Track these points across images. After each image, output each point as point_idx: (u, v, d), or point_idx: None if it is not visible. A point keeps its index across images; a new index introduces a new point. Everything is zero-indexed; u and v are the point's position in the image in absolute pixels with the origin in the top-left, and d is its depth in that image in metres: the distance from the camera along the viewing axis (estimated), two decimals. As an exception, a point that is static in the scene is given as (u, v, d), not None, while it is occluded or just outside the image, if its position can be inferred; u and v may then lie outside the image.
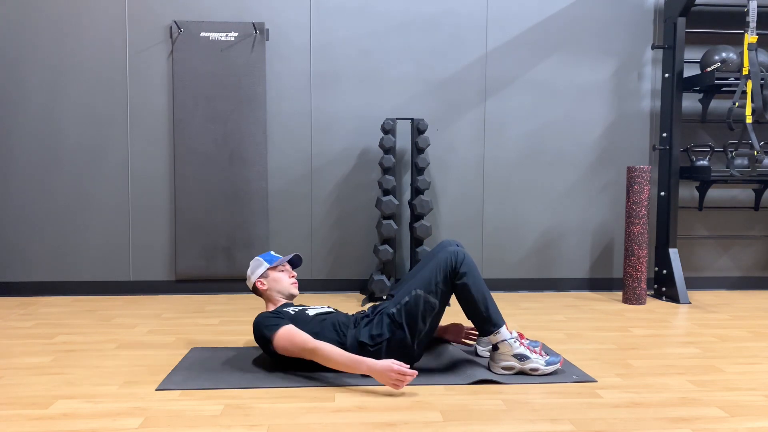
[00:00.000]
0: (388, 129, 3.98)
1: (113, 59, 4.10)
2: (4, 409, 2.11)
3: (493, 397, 2.25)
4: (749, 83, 3.83)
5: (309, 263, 4.26)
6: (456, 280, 2.45)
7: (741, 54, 3.96)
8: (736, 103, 3.86)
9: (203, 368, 2.53)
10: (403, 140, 4.24)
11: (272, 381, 2.37)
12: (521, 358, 2.44)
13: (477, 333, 2.72)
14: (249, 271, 2.73)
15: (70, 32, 4.07)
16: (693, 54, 4.34)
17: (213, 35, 4.10)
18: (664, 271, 4.16)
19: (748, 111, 3.83)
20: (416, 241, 4.03)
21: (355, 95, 4.23)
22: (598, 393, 2.30)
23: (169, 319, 3.48)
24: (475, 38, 4.27)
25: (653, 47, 4.22)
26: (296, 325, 2.45)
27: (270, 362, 2.57)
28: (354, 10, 4.20)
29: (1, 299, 4.00)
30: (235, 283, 4.19)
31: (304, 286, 4.25)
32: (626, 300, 3.98)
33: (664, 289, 4.15)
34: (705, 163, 4.17)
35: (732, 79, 3.97)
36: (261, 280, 2.69)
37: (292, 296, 2.72)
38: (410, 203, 4.06)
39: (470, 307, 2.47)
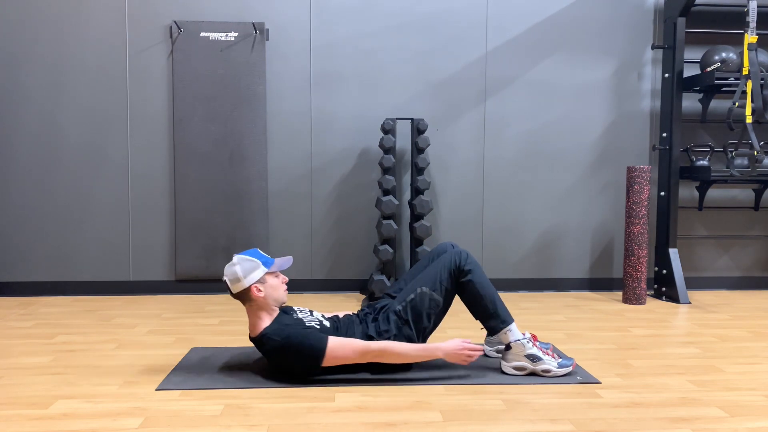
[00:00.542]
0: (388, 129, 3.98)
1: (113, 59, 4.10)
2: (4, 409, 2.11)
3: (493, 397, 2.25)
4: (749, 83, 3.83)
5: (309, 263, 4.26)
6: (461, 278, 2.48)
7: (741, 54, 3.96)
8: (736, 103, 3.86)
9: (203, 368, 2.53)
10: (403, 140, 4.24)
11: (272, 381, 2.37)
12: (534, 359, 2.44)
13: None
14: (240, 272, 2.34)
15: (70, 32, 4.07)
16: (693, 54, 4.34)
17: (213, 35, 4.10)
18: (664, 271, 4.16)
19: (748, 111, 3.83)
20: (416, 241, 4.03)
21: (355, 95, 4.23)
22: (598, 393, 2.30)
23: (169, 319, 3.48)
24: (475, 38, 4.27)
25: (653, 47, 4.22)
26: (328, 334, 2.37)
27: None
28: (354, 9, 4.20)
29: (1, 299, 3.99)
30: (235, 283, 4.18)
31: (304, 286, 4.25)
32: (626, 300, 3.98)
33: (664, 289, 4.15)
34: (705, 163, 4.17)
35: (732, 79, 3.97)
36: (258, 285, 2.35)
37: (283, 304, 2.49)
38: (410, 203, 4.06)
39: (477, 305, 2.48)
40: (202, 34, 4.09)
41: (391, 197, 3.93)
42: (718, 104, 4.40)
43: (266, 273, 2.39)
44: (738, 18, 4.34)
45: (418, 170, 4.02)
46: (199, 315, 3.57)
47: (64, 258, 4.14)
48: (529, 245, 4.38)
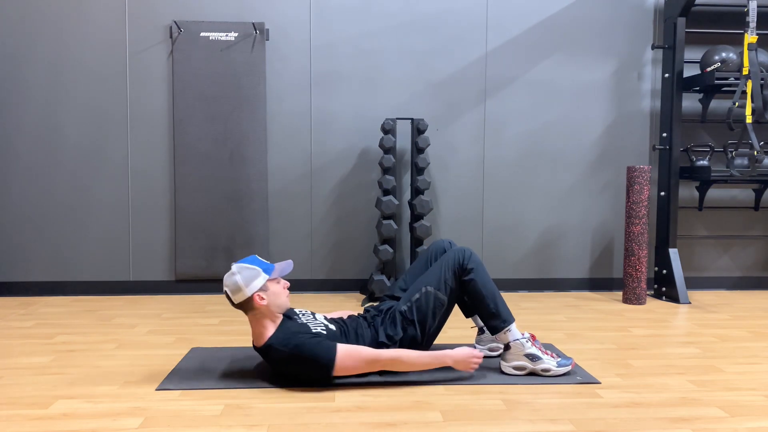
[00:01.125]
0: (388, 129, 3.97)
1: (113, 59, 4.10)
2: (4, 409, 2.11)
3: (493, 397, 2.25)
4: (749, 83, 3.83)
5: (309, 263, 4.26)
6: (464, 277, 2.48)
7: (741, 54, 3.96)
8: (736, 103, 3.86)
9: (203, 368, 2.53)
10: (403, 140, 4.24)
11: (272, 381, 2.37)
12: (533, 358, 2.44)
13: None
14: (241, 282, 2.27)
15: (71, 32, 4.07)
16: (693, 54, 4.33)
17: (213, 35, 4.10)
18: (664, 271, 4.16)
19: (748, 111, 3.83)
20: (416, 241, 4.03)
21: (355, 95, 4.23)
22: (598, 393, 2.30)
23: (169, 319, 3.48)
24: (475, 38, 4.27)
25: (653, 47, 4.22)
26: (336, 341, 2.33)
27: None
28: (354, 9, 4.20)
29: (1, 299, 3.99)
30: (235, 283, 4.18)
31: (304, 286, 4.25)
32: (626, 300, 3.98)
33: (664, 289, 4.15)
34: (705, 163, 4.17)
35: (732, 79, 3.97)
36: (260, 294, 2.29)
37: (285, 310, 2.42)
38: (410, 203, 4.06)
39: (478, 304, 2.48)
40: (202, 34, 4.09)
41: (391, 197, 3.93)
42: (718, 104, 4.40)
43: (268, 280, 2.32)
44: (738, 18, 4.34)
45: (418, 170, 4.02)
46: (199, 315, 3.57)
47: (64, 258, 4.14)
48: (529, 245, 4.38)
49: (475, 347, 2.74)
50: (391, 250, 3.93)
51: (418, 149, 4.01)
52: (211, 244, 4.16)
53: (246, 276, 2.28)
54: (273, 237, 4.23)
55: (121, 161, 4.14)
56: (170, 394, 2.25)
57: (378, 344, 2.43)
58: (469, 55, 4.27)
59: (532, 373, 2.45)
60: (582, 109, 4.35)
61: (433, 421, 2.02)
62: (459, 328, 3.19)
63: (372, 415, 2.07)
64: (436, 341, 2.88)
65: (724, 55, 4.06)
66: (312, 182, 4.25)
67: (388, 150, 3.97)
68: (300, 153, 4.23)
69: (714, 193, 4.47)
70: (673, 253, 4.14)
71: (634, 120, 4.38)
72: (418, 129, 4.02)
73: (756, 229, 4.52)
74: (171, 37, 4.10)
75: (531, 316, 3.58)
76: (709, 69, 4.09)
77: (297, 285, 4.20)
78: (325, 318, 2.53)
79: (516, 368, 2.46)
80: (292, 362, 2.27)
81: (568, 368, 2.47)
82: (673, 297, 4.05)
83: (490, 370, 2.52)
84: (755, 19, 3.80)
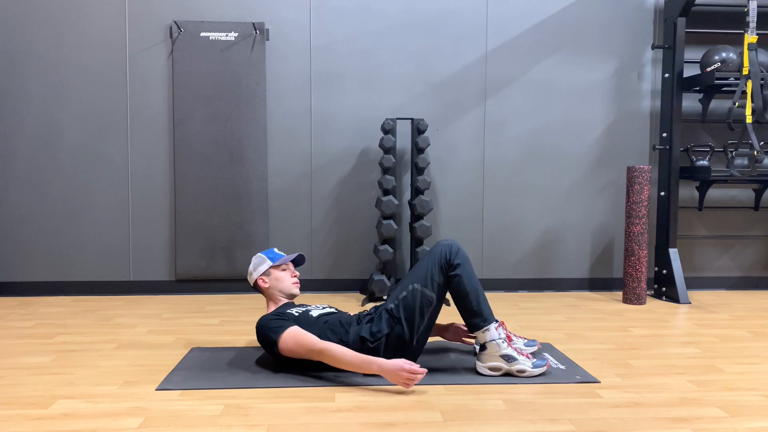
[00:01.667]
0: (388, 129, 3.98)
1: (113, 59, 4.10)
2: (4, 409, 2.11)
3: (493, 397, 2.25)
4: (749, 83, 3.83)
5: (309, 263, 4.26)
6: (450, 272, 2.47)
7: (741, 54, 3.96)
8: (736, 103, 3.86)
9: (203, 368, 2.53)
10: (403, 140, 4.24)
11: (272, 381, 2.37)
12: (508, 359, 2.43)
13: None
14: (251, 268, 2.70)
15: (70, 32, 4.07)
16: (693, 54, 4.34)
17: (213, 35, 4.10)
18: (664, 271, 4.16)
19: (748, 111, 3.83)
20: (416, 241, 4.03)
21: (355, 95, 4.23)
22: (598, 393, 2.30)
23: (169, 319, 3.48)
24: (475, 38, 4.27)
25: (653, 47, 4.22)
26: (301, 327, 2.44)
27: (270, 362, 2.57)
28: (354, 9, 4.20)
29: (1, 299, 4.00)
30: (235, 283, 4.19)
31: (304, 286, 4.23)
32: (626, 300, 3.98)
33: (664, 289, 4.15)
34: (705, 163, 4.17)
35: (732, 79, 3.97)
36: (263, 278, 2.67)
37: (293, 296, 2.70)
38: (410, 203, 4.06)
39: (461, 300, 2.47)
40: (202, 34, 4.09)
41: (391, 197, 3.93)
42: (718, 104, 4.40)
43: (271, 266, 2.67)
44: (738, 18, 4.34)
45: (418, 170, 4.02)
46: (199, 315, 3.57)
47: (64, 258, 4.14)
48: (529, 245, 4.38)
49: (475, 348, 2.72)
50: (391, 250, 3.93)
51: (418, 149, 4.01)
52: (211, 244, 4.16)
53: (255, 263, 2.71)
54: (273, 237, 4.24)
55: (121, 161, 4.14)
56: (170, 394, 2.25)
57: (360, 339, 2.44)
58: (469, 55, 4.27)
59: (508, 374, 2.44)
60: (582, 109, 4.35)
61: (433, 421, 2.02)
62: (459, 328, 3.19)
63: (372, 415, 2.07)
64: (433, 341, 2.89)
65: (724, 55, 4.06)
66: (312, 182, 4.25)
67: (388, 150, 3.97)
68: (300, 153, 4.23)
69: (714, 193, 4.47)
70: (673, 253, 4.14)
71: (634, 120, 4.38)
72: (418, 129, 4.02)
73: (756, 229, 4.52)
74: (171, 37, 4.10)
75: (531, 316, 3.58)
76: (709, 69, 4.09)
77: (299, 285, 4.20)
78: (324, 307, 2.67)
79: (491, 369, 2.44)
80: (257, 335, 2.51)
81: (543, 369, 2.46)
82: (673, 297, 4.05)
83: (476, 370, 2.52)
84: (755, 19, 3.80)
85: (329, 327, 2.48)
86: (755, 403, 2.21)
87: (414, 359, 2.47)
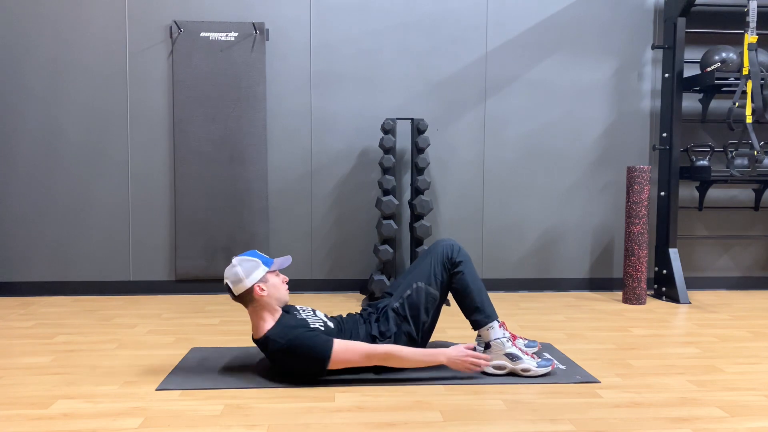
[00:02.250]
0: (388, 129, 3.97)
1: (113, 59, 4.10)
2: (4, 409, 2.11)
3: (493, 397, 2.25)
4: (749, 83, 3.83)
5: (309, 263, 4.26)
6: (453, 269, 2.50)
7: (741, 54, 3.96)
8: (736, 103, 3.86)
9: (203, 368, 2.53)
10: (403, 140, 4.24)
11: (272, 381, 2.37)
12: (513, 357, 2.44)
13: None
14: (241, 273, 2.33)
15: (71, 32, 4.07)
16: (693, 54, 4.34)
17: (213, 35, 4.10)
18: (664, 271, 4.16)
19: (748, 111, 3.83)
20: (416, 241, 4.03)
21: (355, 95, 4.23)
22: (598, 393, 2.30)
23: (169, 319, 3.48)
24: (475, 38, 4.27)
25: (653, 47, 4.22)
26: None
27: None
28: (354, 9, 4.20)
29: (1, 299, 3.99)
30: (235, 283, 4.18)
31: (304, 286, 4.25)
32: (626, 300, 3.98)
33: (664, 289, 4.15)
34: (705, 163, 4.17)
35: (732, 79, 3.97)
36: (260, 285, 2.35)
37: (285, 304, 2.47)
38: (410, 203, 4.06)
39: (464, 297, 2.49)
40: (202, 34, 4.09)
41: (391, 197, 3.93)
42: (718, 104, 4.40)
43: (267, 272, 2.38)
44: (738, 18, 4.34)
45: (418, 170, 4.02)
46: (199, 315, 3.57)
47: (64, 258, 4.14)
48: (529, 245, 4.38)
49: (476, 348, 2.73)
50: (391, 250, 3.93)
51: (418, 149, 4.01)
52: (211, 244, 4.16)
53: (246, 267, 2.34)
54: (273, 237, 4.23)
55: (121, 161, 4.14)
56: (170, 394, 2.25)
57: (371, 338, 2.45)
58: (469, 55, 4.27)
59: (512, 373, 2.44)
60: (582, 109, 4.35)
61: (433, 421, 2.02)
62: (459, 328, 3.19)
63: (372, 415, 2.07)
64: (435, 340, 2.89)
65: (724, 55, 4.06)
66: (312, 182, 4.25)
67: (388, 150, 3.97)
68: (300, 153, 4.23)
69: (714, 193, 4.47)
70: (673, 253, 4.14)
71: (634, 120, 4.38)
72: (418, 129, 4.02)
73: (756, 229, 4.52)
74: (171, 37, 4.10)
75: (531, 316, 3.58)
76: (709, 69, 4.09)
77: (297, 285, 4.21)
78: (326, 316, 2.55)
79: (496, 367, 2.44)
80: (288, 354, 2.30)
81: (548, 369, 2.45)
82: (673, 297, 4.05)
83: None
84: (755, 19, 3.80)
85: (346, 331, 2.47)
86: (755, 403, 2.21)
87: None
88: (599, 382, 2.41)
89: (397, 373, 2.43)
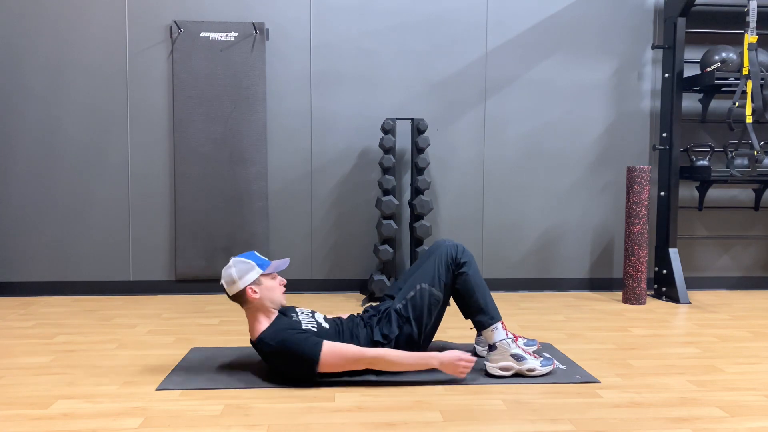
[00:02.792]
0: (388, 129, 3.98)
1: (113, 59, 4.10)
2: (4, 409, 2.11)
3: (493, 397, 2.25)
4: (749, 83, 3.83)
5: (309, 263, 4.26)
6: (457, 270, 2.49)
7: (741, 54, 3.96)
8: (736, 103, 3.86)
9: (203, 368, 2.53)
10: (403, 140, 4.24)
11: (272, 381, 2.37)
12: (518, 358, 2.44)
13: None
14: (235, 275, 2.35)
15: (71, 32, 4.07)
16: (693, 54, 4.34)
17: (213, 35, 4.10)
18: (664, 271, 4.16)
19: (748, 111, 3.83)
20: (416, 241, 4.03)
21: (355, 95, 4.23)
22: (598, 393, 2.30)
23: (169, 319, 3.48)
24: (475, 38, 4.27)
25: (653, 47, 4.22)
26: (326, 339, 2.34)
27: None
28: (354, 9, 4.20)
29: (1, 299, 3.99)
30: (235, 283, 4.18)
31: (304, 286, 4.25)
32: (626, 300, 3.98)
33: (664, 289, 4.15)
34: (705, 163, 4.17)
35: (732, 79, 3.97)
36: (253, 287, 2.36)
37: (281, 306, 2.47)
38: (410, 203, 4.06)
39: (468, 298, 2.48)
40: (202, 34, 4.09)
41: (391, 197, 3.93)
42: (718, 104, 4.40)
43: (261, 275, 2.39)
44: (738, 18, 4.34)
45: (418, 170, 4.02)
46: (199, 315, 3.57)
47: (64, 258, 4.14)
48: (529, 245, 4.38)
49: (475, 348, 2.73)
50: (391, 250, 3.93)
51: (418, 149, 4.01)
52: (211, 244, 4.16)
53: (240, 269, 2.36)
54: (273, 237, 4.23)
55: (121, 161, 4.14)
56: (170, 394, 2.25)
57: (373, 343, 2.43)
58: (469, 55, 4.27)
59: (518, 374, 2.44)
60: (582, 109, 4.35)
61: (433, 421, 2.02)
62: (459, 328, 3.19)
63: (372, 415, 2.07)
64: (435, 339, 2.89)
65: (724, 55, 4.06)
66: (312, 182, 4.25)
67: (388, 150, 3.97)
68: (300, 153, 4.23)
69: (714, 193, 4.47)
70: (673, 253, 4.14)
71: (634, 120, 4.38)
72: (418, 129, 4.02)
73: (756, 229, 4.52)
74: (171, 37, 4.10)
75: (531, 316, 3.58)
76: (709, 69, 4.09)
77: (297, 285, 4.21)
78: (324, 318, 2.54)
79: (502, 369, 2.44)
80: (279, 357, 2.31)
81: (551, 368, 2.47)
82: (673, 297, 4.05)
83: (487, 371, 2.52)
84: (755, 19, 3.80)
85: (344, 333, 2.46)
86: (755, 403, 2.21)
87: None
88: (599, 382, 2.41)
89: (397, 373, 2.42)
